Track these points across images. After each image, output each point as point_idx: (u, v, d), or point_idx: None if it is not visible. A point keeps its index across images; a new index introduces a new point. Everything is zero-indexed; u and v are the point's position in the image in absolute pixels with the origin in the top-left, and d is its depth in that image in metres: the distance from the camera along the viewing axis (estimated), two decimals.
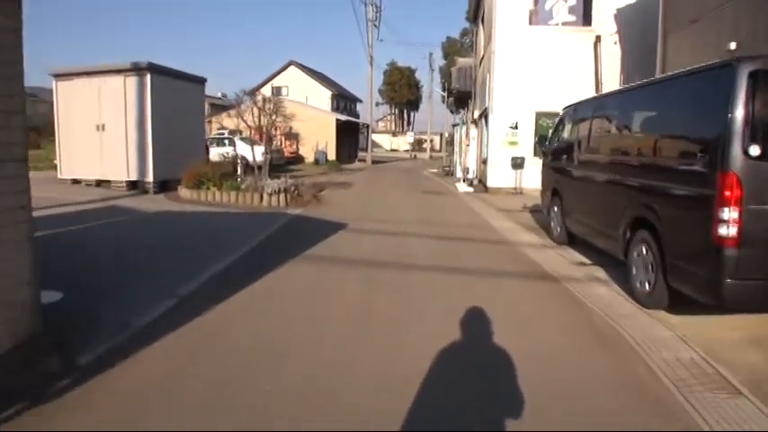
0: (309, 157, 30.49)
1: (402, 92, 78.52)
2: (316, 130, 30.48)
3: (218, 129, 32.72)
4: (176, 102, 13.28)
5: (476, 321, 4.38)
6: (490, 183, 16.18)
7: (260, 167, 13.00)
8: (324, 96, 54.41)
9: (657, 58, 12.24)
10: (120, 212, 10.06)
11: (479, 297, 5.10)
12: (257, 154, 21.89)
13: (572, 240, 7.94)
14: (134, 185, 12.99)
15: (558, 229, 8.17)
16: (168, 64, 13.56)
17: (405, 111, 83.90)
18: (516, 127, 15.84)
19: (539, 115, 15.91)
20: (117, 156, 12.84)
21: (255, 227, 8.86)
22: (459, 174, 20.51)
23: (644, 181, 5.15)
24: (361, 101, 60.26)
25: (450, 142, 38.58)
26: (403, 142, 64.81)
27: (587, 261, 7.00)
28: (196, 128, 14.19)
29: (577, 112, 7.55)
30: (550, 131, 9.45)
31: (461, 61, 30.34)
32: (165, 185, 13.08)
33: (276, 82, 55.66)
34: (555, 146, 8.53)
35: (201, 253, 6.84)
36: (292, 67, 56.41)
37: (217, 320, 4.36)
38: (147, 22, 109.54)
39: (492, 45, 15.99)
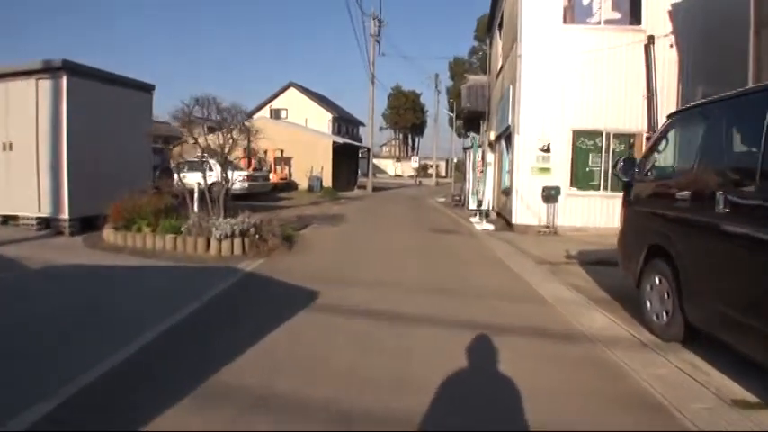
0: (303, 183, 27.40)
1: (406, 116, 76.11)
2: (310, 154, 27.46)
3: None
4: (108, 113, 10.15)
5: None
6: (515, 219, 12.90)
7: (216, 199, 9.68)
8: (324, 119, 51.97)
9: (750, 58, 9.06)
10: None
11: None
12: (236, 179, 18.78)
13: (690, 335, 4.64)
14: (47, 224, 9.77)
15: (665, 315, 4.84)
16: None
17: (409, 136, 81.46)
18: (548, 150, 12.62)
19: (576, 135, 12.72)
20: (27, 184, 9.66)
21: (171, 299, 5.56)
22: (472, 205, 17.24)
23: None
24: (363, 124, 57.61)
25: (459, 168, 35.39)
26: (407, 168, 61.93)
27: (751, 397, 3.68)
28: (140, 148, 11.01)
29: (724, 115, 4.24)
30: (635, 153, 6.14)
31: (472, 79, 27.41)
32: (89, 224, 9.85)
33: (275, 104, 53.63)
34: (655, 175, 5.25)
35: (26, 375, 3.56)
36: (292, 89, 54.15)
37: None
38: (142, 39, 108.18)
39: (518, 48, 12.89)
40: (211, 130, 10.27)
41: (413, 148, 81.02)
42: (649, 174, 5.30)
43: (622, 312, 5.80)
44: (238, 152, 10.18)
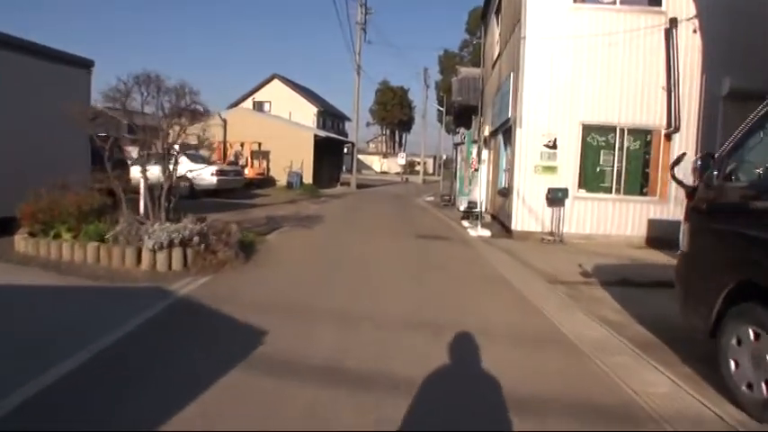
0: (282, 178, 25.59)
1: (394, 112, 74.48)
2: (290, 148, 25.66)
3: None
4: (30, 92, 8.36)
5: None
6: (516, 224, 11.30)
7: (167, 198, 7.87)
8: (309, 113, 50.08)
9: None
10: None
11: None
12: (203, 173, 16.96)
13: None
14: None
15: (766, 388, 3.27)
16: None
17: (396, 132, 79.83)
18: (554, 146, 11.04)
19: (587, 129, 11.16)
20: None
21: (48, 347, 3.85)
22: (463, 205, 15.69)
23: None
24: (350, 119, 55.63)
25: (448, 166, 33.69)
26: (394, 164, 60.23)
27: None
28: (74, 135, 9.17)
29: None
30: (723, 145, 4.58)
31: (464, 71, 25.81)
32: (5, 227, 8.07)
33: (258, 96, 51.76)
34: (748, 179, 3.63)
35: None
36: (276, 81, 52.21)
37: None
38: (127, 32, 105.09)
39: (521, 29, 11.27)
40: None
41: (400, 145, 79.40)
42: (737, 177, 3.69)
43: (682, 368, 4.22)
44: (190, 140, 8.38)
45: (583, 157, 11.16)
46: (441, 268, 7.99)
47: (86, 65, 9.53)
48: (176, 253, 6.64)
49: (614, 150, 11.15)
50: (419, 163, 54.39)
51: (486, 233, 11.80)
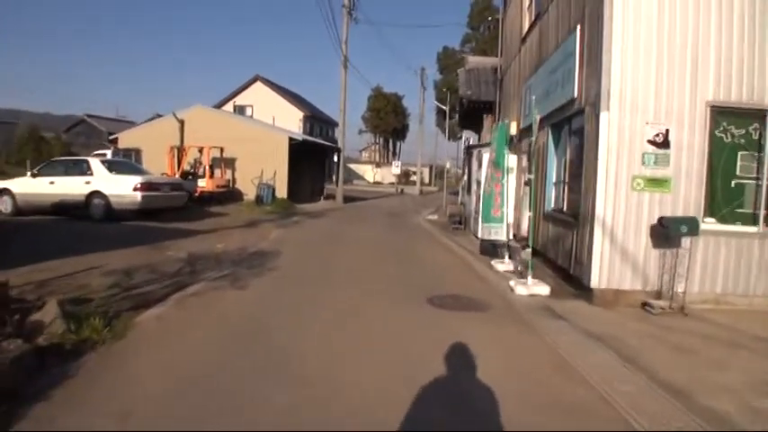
0: (252, 192, 20.87)
1: (388, 119, 70.18)
2: (262, 154, 20.94)
3: (113, 150, 23.08)
4: None
5: None
6: (598, 277, 6.57)
7: None
8: (295, 118, 45.74)
9: None
10: None
11: None
12: (123, 187, 12.28)
13: None
14: None
15: None
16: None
17: (390, 140, 75.43)
18: (666, 143, 6.44)
19: (717, 116, 6.54)
20: None
21: None
22: (487, 234, 10.95)
23: None
24: (338, 125, 51.15)
25: (441, 176, 29.06)
26: (388, 174, 55.60)
27: None
28: None
29: None
30: None
31: (473, 60, 21.37)
32: None
33: (239, 100, 47.62)
34: None
35: None
36: (258, 83, 48.00)
37: None
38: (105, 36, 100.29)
39: None
40: None
41: (394, 154, 74.95)
42: None
43: None
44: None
45: (710, 164, 6.56)
46: None
47: None
48: None
49: (763, 151, 6.55)
50: (415, 173, 49.80)
51: (543, 290, 7.09)
